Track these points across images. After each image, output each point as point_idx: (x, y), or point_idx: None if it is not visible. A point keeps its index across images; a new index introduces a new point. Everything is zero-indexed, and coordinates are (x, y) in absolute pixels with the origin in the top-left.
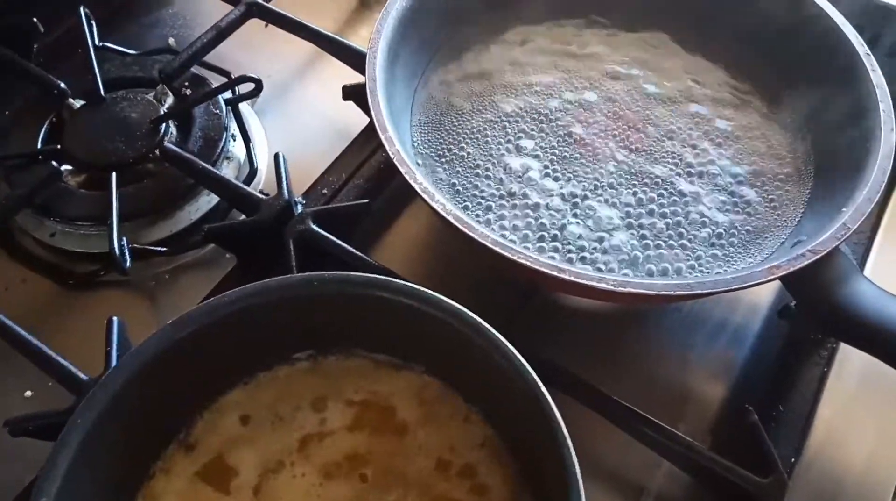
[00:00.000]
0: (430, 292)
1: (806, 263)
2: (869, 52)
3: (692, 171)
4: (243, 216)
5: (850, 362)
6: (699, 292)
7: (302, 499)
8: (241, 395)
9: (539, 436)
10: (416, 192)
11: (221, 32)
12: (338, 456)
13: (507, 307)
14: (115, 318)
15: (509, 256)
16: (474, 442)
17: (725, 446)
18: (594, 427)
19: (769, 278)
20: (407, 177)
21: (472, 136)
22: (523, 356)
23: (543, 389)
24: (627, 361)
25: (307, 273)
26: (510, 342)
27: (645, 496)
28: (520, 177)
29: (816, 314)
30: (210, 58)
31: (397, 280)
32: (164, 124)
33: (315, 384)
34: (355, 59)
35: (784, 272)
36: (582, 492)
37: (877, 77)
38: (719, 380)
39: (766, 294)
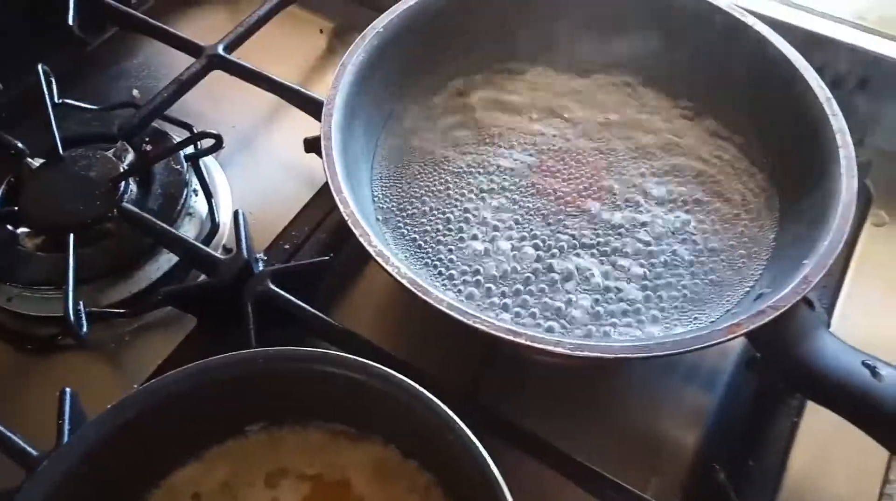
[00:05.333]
0: (377, 365)
1: (766, 320)
2: (830, 96)
3: (656, 221)
4: (203, 276)
5: (821, 412)
6: (658, 353)
7: None
8: (192, 471)
9: None
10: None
11: (182, 86)
12: None
13: (472, 363)
14: (67, 390)
15: (464, 320)
16: None
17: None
18: (563, 487)
19: (729, 337)
20: (361, 239)
21: (434, 190)
22: (487, 416)
23: (493, 468)
24: (598, 412)
25: (252, 351)
26: (474, 403)
27: None
28: (483, 232)
29: (779, 368)
30: (172, 111)
31: (343, 355)
32: (123, 182)
33: (269, 456)
34: (317, 109)
35: (744, 331)
36: None
37: (837, 122)
38: (690, 430)
39: (735, 341)
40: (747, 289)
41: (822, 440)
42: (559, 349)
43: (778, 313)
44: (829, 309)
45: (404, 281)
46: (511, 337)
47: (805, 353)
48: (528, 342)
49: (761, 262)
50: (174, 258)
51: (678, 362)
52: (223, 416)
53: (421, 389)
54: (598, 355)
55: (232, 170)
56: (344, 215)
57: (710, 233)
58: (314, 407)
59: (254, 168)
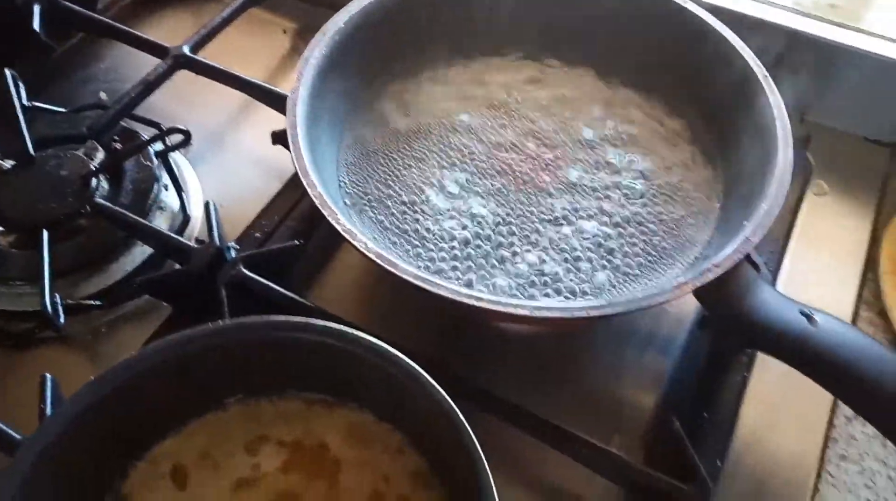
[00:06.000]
0: (352, 330)
1: (711, 277)
2: (767, 74)
3: (609, 195)
4: (177, 266)
5: (769, 366)
6: (612, 311)
7: None
8: (173, 444)
9: (463, 464)
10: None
11: (149, 86)
12: (272, 497)
13: (444, 338)
14: (47, 375)
15: (430, 289)
16: (407, 472)
17: (658, 455)
18: (534, 447)
19: (677, 294)
20: (329, 218)
21: (398, 174)
22: (460, 384)
23: (464, 421)
24: (563, 379)
25: (225, 322)
26: (447, 372)
27: None
28: (446, 211)
29: (727, 324)
30: (141, 111)
31: (319, 321)
32: (94, 179)
33: (247, 427)
34: (282, 104)
35: (691, 288)
36: None
37: (774, 97)
38: (650, 390)
39: (689, 306)
40: (697, 255)
41: (771, 391)
42: (519, 311)
43: (721, 271)
44: (774, 274)
45: (371, 255)
46: (473, 302)
47: (749, 307)
48: (490, 306)
49: (709, 229)
50: (148, 251)
51: (637, 329)
52: (201, 389)
53: (394, 351)
54: (556, 315)
55: (201, 167)
56: (312, 197)
57: (660, 204)
58: (289, 377)
59: (223, 165)
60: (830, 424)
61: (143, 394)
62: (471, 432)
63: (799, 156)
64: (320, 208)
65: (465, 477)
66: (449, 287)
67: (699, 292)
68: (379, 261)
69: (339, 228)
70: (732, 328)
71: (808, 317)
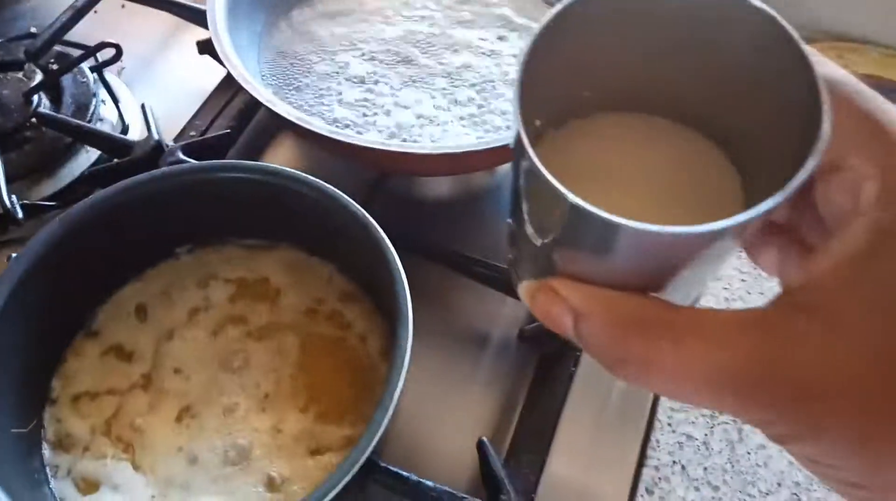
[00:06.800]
0: (286, 168)
1: None
2: None
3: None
4: None
5: None
6: (495, 144)
7: (193, 353)
8: (132, 289)
9: (385, 279)
10: (264, 108)
11: (79, 10)
12: (222, 320)
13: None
14: (13, 254)
15: (337, 138)
16: (337, 293)
17: None
18: (454, 288)
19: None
20: (252, 93)
21: (313, 66)
22: (389, 228)
23: (387, 240)
24: (472, 232)
25: (155, 171)
26: (374, 213)
27: (494, 334)
28: (357, 93)
29: None
30: (75, 38)
31: (248, 162)
32: (35, 96)
33: (197, 271)
34: (203, 19)
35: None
36: (410, 314)
37: None
38: None
39: None
40: None
41: None
42: (421, 151)
43: None
44: None
45: (292, 118)
46: (378, 146)
47: None
48: (390, 149)
49: None
50: (94, 155)
51: None
52: (153, 238)
53: (324, 183)
54: (451, 152)
55: (137, 86)
56: (236, 76)
57: None
58: (231, 226)
59: (157, 82)
60: None
61: (99, 237)
62: (393, 250)
63: None
64: (242, 83)
65: (387, 290)
66: (357, 136)
67: None
68: (299, 123)
69: (261, 99)
70: None
71: None
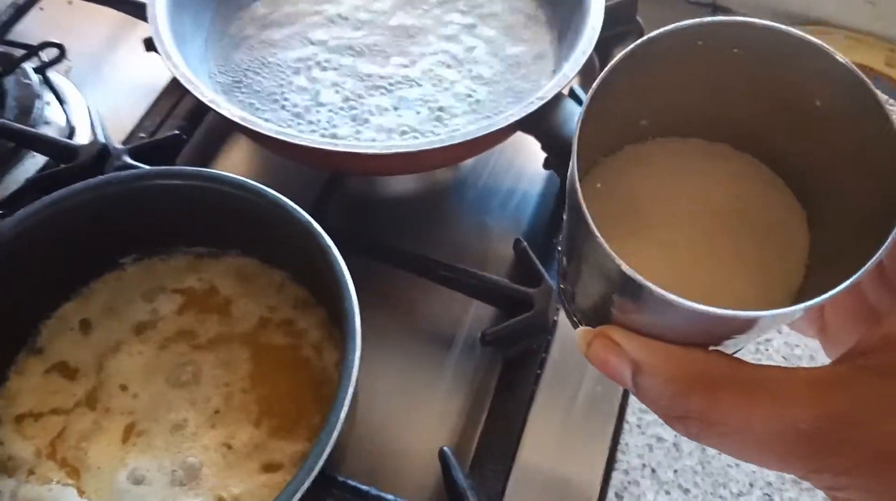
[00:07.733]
0: (228, 174)
1: (533, 108)
2: None
3: (457, 53)
4: None
5: None
6: (451, 142)
7: (140, 369)
8: (77, 303)
9: (334, 290)
10: (208, 109)
11: (20, 9)
12: (170, 334)
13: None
14: None
15: (282, 138)
16: (290, 301)
17: (517, 277)
18: (416, 292)
19: (505, 124)
20: (195, 93)
21: (264, 61)
22: (334, 230)
23: (334, 250)
24: (435, 232)
25: (98, 178)
26: (322, 221)
27: (458, 338)
28: (308, 88)
29: (553, 150)
30: (20, 37)
31: (192, 168)
32: None
33: (144, 282)
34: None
35: (517, 118)
36: (358, 330)
37: None
38: (512, 236)
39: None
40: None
41: None
42: (372, 151)
43: (543, 102)
44: None
45: (236, 119)
46: (330, 147)
47: (569, 131)
48: (345, 149)
49: (549, 76)
50: (40, 161)
51: (500, 187)
52: (95, 250)
53: (267, 188)
54: (404, 150)
55: (84, 86)
56: (176, 75)
57: (502, 56)
58: (178, 234)
59: (104, 81)
60: None
61: (39, 248)
62: (342, 262)
63: (631, 21)
64: (184, 83)
65: (338, 302)
66: (308, 138)
67: (525, 124)
68: (245, 124)
69: (204, 100)
70: (556, 153)
71: None
